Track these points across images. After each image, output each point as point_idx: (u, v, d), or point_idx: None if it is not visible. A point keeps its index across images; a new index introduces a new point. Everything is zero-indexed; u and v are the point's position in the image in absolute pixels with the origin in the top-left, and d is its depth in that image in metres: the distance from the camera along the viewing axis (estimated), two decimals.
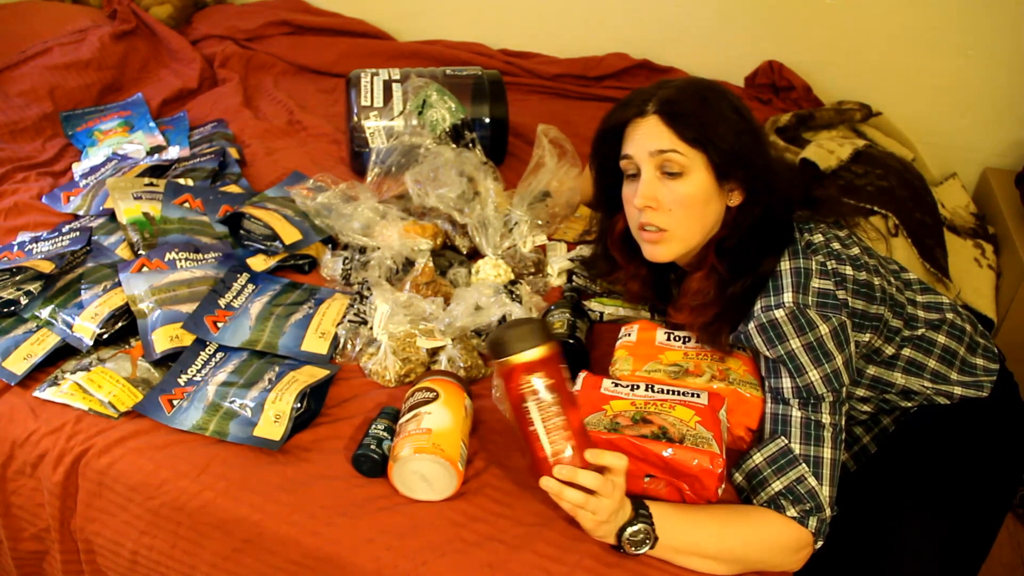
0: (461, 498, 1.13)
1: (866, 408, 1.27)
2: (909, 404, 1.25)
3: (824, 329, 1.07)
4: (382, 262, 1.53)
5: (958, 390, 1.24)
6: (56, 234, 1.63)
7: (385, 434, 1.18)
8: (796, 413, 1.09)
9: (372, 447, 1.16)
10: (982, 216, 2.12)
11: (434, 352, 1.37)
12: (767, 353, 1.11)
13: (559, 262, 1.59)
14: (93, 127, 2.09)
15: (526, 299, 1.47)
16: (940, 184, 2.21)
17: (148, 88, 2.29)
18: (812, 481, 1.05)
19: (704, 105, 1.11)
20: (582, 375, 1.20)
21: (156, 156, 1.95)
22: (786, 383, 1.10)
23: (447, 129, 1.84)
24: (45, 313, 1.42)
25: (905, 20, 2.18)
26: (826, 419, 1.08)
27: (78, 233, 1.63)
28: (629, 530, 1.02)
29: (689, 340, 1.24)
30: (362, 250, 1.58)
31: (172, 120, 2.14)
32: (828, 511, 1.05)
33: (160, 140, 2.02)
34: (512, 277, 1.54)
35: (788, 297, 1.09)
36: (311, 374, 1.31)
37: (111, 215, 1.69)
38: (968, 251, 1.99)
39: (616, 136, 1.18)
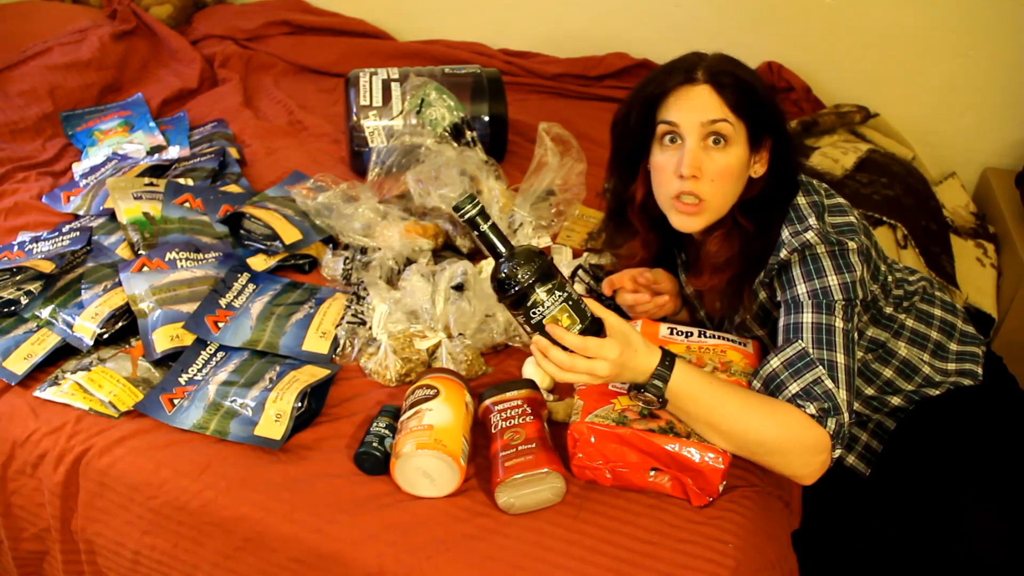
0: (463, 494, 1.13)
1: (869, 391, 1.27)
2: (909, 387, 1.26)
3: (851, 245, 1.13)
4: (383, 262, 1.53)
5: (952, 366, 1.26)
6: (56, 234, 1.63)
7: (387, 431, 1.18)
8: (808, 319, 1.10)
9: (374, 444, 1.16)
10: (982, 216, 2.12)
11: (433, 350, 1.37)
12: (797, 266, 1.13)
13: (566, 267, 1.58)
14: (93, 127, 2.09)
15: None
16: (939, 184, 2.21)
17: (148, 88, 2.29)
18: (828, 383, 1.05)
19: (748, 72, 1.17)
20: None
21: (156, 156, 1.95)
22: (802, 289, 1.12)
23: (447, 128, 1.84)
24: (45, 313, 1.41)
25: (905, 20, 2.18)
26: (839, 323, 1.09)
27: (78, 233, 1.63)
28: (634, 392, 1.07)
29: (692, 335, 1.25)
30: (363, 250, 1.58)
31: (172, 120, 2.14)
32: (846, 415, 1.05)
33: (160, 140, 2.02)
34: None
35: (812, 222, 1.15)
36: (312, 374, 1.30)
37: (111, 215, 1.69)
38: (970, 251, 1.99)
39: (653, 104, 1.18)
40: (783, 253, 1.14)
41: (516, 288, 1.02)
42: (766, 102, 1.15)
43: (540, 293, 1.02)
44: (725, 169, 1.14)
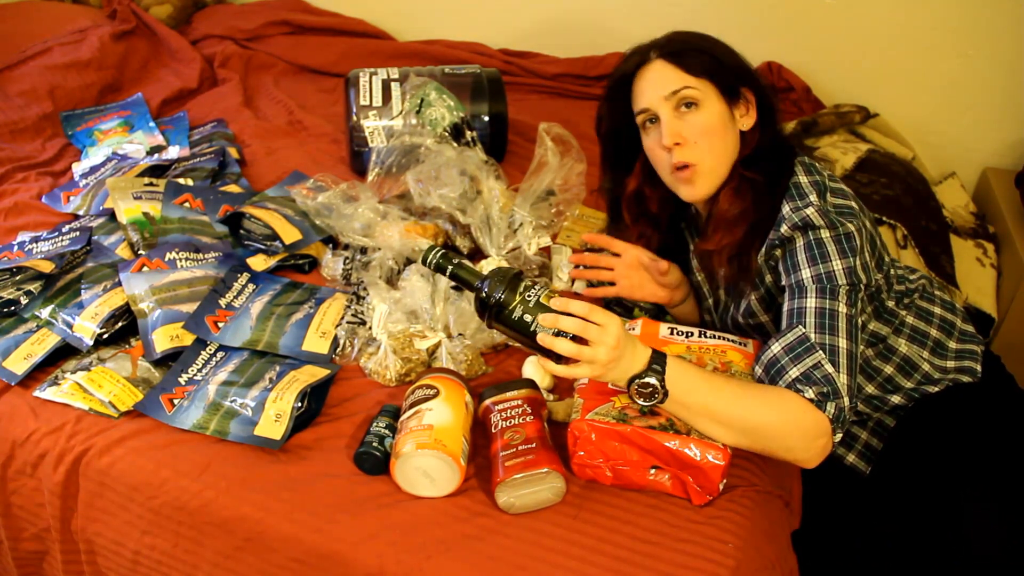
0: (463, 494, 1.13)
1: (870, 389, 1.27)
2: (909, 384, 1.26)
3: (851, 227, 1.13)
4: (383, 262, 1.53)
5: (952, 363, 1.27)
6: (56, 234, 1.63)
7: (387, 431, 1.18)
8: (811, 303, 1.10)
9: (374, 444, 1.16)
10: (982, 216, 2.12)
11: (433, 350, 1.37)
12: (799, 240, 1.13)
13: (567, 267, 1.57)
14: (93, 127, 2.09)
15: None
16: (939, 184, 2.21)
17: (148, 88, 2.29)
18: (828, 367, 1.05)
19: (701, 38, 1.22)
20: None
21: (156, 156, 1.95)
22: (806, 273, 1.12)
23: (447, 128, 1.84)
24: (45, 313, 1.41)
25: (905, 20, 2.18)
26: (842, 308, 1.09)
27: (78, 233, 1.63)
28: (637, 381, 1.05)
29: (692, 335, 1.25)
30: (363, 250, 1.58)
31: (172, 120, 2.14)
32: (846, 400, 1.04)
33: (160, 140, 2.02)
34: None
35: (813, 199, 1.15)
36: (312, 373, 1.30)
37: (111, 215, 1.69)
38: (970, 251, 1.99)
39: (624, 91, 1.23)
40: (784, 228, 1.14)
41: (496, 296, 1.07)
42: (724, 57, 1.19)
43: (524, 283, 1.08)
44: (705, 127, 1.17)
